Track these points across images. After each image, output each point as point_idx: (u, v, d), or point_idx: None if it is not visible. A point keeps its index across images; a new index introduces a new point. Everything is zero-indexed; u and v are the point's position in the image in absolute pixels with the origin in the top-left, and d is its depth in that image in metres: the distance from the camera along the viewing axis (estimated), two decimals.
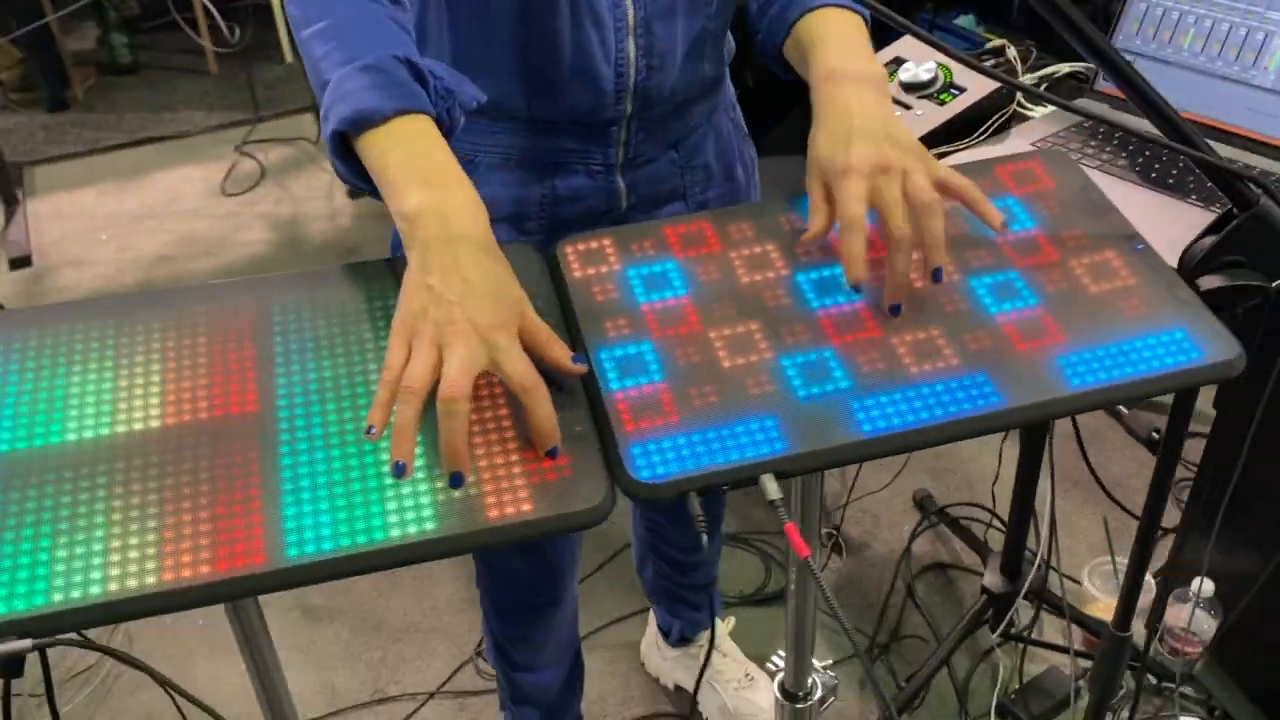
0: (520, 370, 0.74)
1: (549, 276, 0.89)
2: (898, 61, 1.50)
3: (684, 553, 1.68)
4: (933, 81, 1.45)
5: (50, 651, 0.68)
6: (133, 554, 0.69)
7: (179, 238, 3.25)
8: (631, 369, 0.81)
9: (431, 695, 1.93)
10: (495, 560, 1.41)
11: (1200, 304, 0.85)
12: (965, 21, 2.41)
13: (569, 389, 0.80)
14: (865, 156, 0.86)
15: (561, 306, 0.86)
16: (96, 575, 0.68)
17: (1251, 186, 0.86)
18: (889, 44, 1.53)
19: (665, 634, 1.84)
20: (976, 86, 1.44)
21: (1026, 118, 1.48)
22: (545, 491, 0.73)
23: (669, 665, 1.87)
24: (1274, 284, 0.86)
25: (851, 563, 2.13)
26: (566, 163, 1.10)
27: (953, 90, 1.44)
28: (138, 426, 0.76)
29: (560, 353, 0.78)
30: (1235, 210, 0.87)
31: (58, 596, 0.67)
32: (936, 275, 0.86)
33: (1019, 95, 1.47)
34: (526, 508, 0.73)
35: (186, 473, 0.74)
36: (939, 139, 1.40)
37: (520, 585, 1.44)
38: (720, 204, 1.21)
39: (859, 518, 2.22)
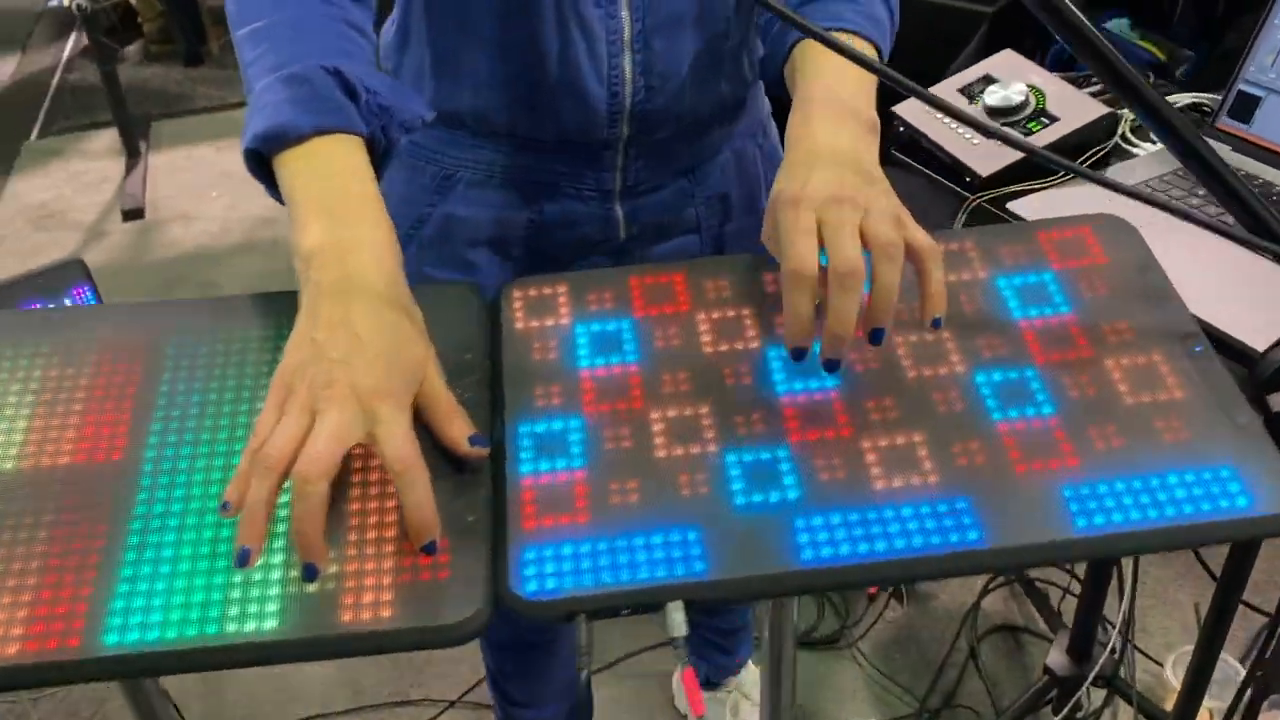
0: (395, 448, 0.63)
1: (487, 325, 0.78)
2: (987, 80, 1.33)
3: None
4: (1022, 106, 1.27)
5: None
6: None
7: None
8: (550, 449, 0.70)
9: (451, 704, 1.86)
10: None
11: (1263, 433, 0.68)
12: (1117, 26, 2.18)
13: (472, 468, 0.69)
14: (820, 185, 0.72)
15: (493, 363, 0.75)
16: None
17: None
18: (980, 60, 1.36)
19: None
20: (1072, 115, 1.26)
21: (1129, 154, 1.29)
22: (412, 595, 0.63)
23: None
24: None
25: (913, 612, 1.97)
26: (556, 185, 0.98)
27: (1044, 118, 1.26)
28: None
29: (457, 431, 0.67)
30: None
31: None
32: (874, 337, 0.70)
33: (1123, 128, 1.28)
34: (385, 614, 0.62)
35: (27, 527, 0.66)
36: (1019, 174, 1.23)
37: (516, 621, 1.34)
38: (740, 240, 1.07)
39: None
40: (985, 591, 1.97)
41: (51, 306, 1.38)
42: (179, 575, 0.64)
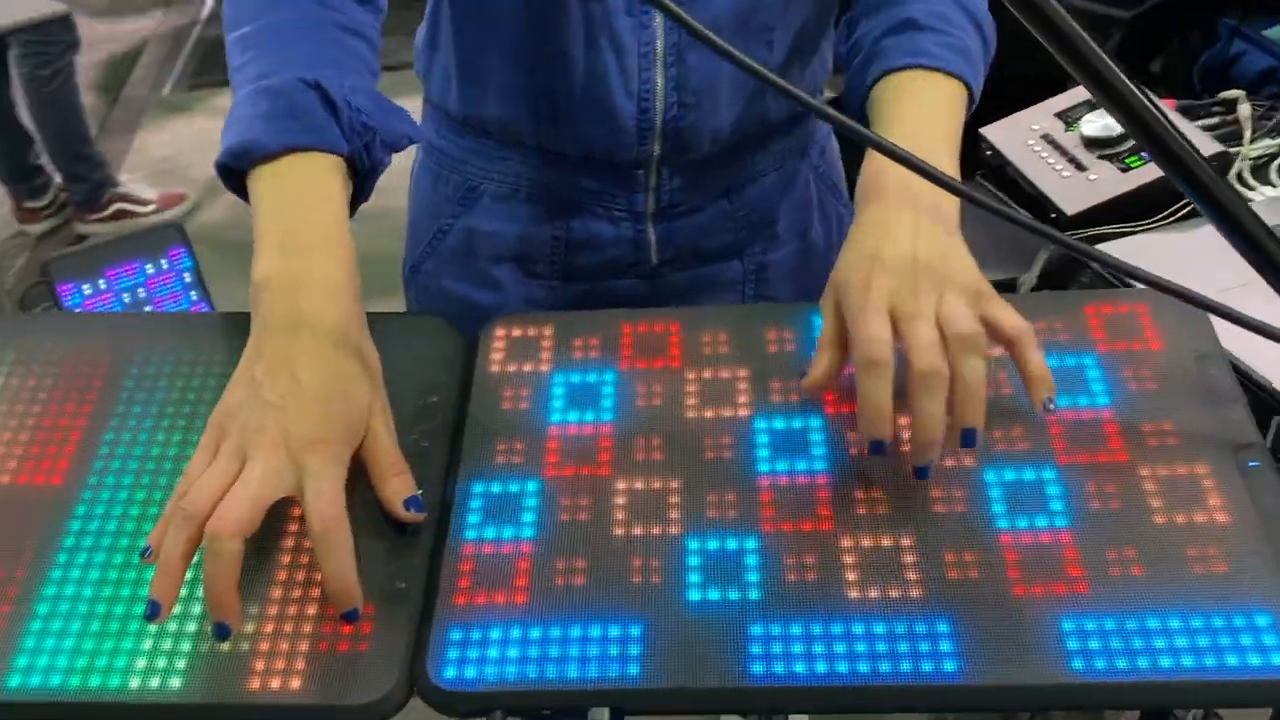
0: (319, 507, 0.58)
1: (460, 366, 0.72)
2: (1088, 106, 1.21)
3: None
4: (1122, 138, 1.15)
5: None
6: None
7: (392, 170, 3.27)
8: (499, 514, 0.64)
9: None
10: None
11: None
12: (1277, 34, 1.99)
13: (413, 529, 0.64)
14: (890, 284, 0.64)
15: (459, 409, 0.70)
16: None
17: None
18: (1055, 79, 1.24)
19: None
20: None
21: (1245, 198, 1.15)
22: (325, 667, 0.58)
23: None
24: None
25: None
26: (584, 203, 0.92)
27: (1144, 154, 1.14)
28: None
29: (393, 491, 0.62)
30: None
31: None
32: (967, 439, 0.62)
33: (1239, 167, 1.15)
34: (294, 684, 0.58)
35: None
36: (1110, 215, 1.11)
37: None
38: (787, 268, 0.99)
39: None
40: None
41: (149, 267, 1.38)
42: (94, 619, 0.61)
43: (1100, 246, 1.12)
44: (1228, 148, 1.15)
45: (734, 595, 0.60)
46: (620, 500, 0.64)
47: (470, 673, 0.58)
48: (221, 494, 0.58)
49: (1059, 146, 1.17)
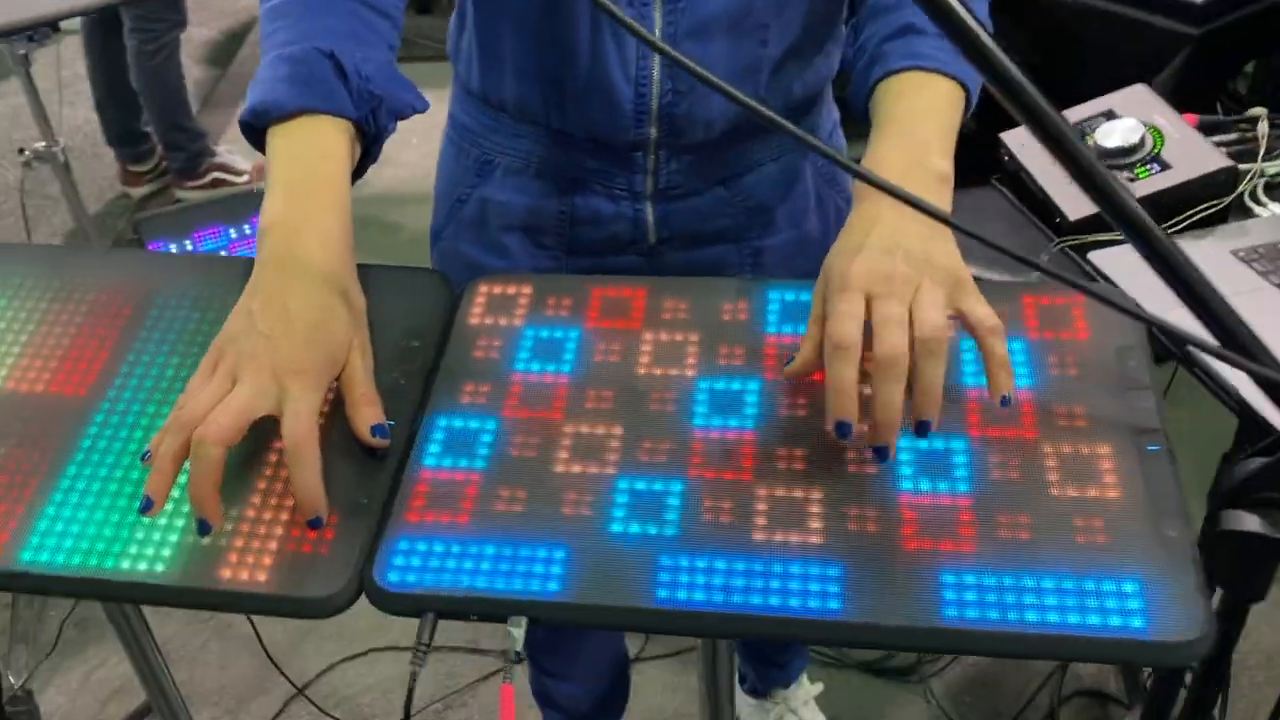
0: (293, 426, 0.67)
1: (444, 316, 0.80)
2: (1108, 116, 1.23)
3: None
4: (1136, 148, 1.18)
5: None
6: None
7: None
8: (457, 447, 0.72)
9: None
10: None
11: (1189, 551, 0.62)
12: None
13: (381, 454, 0.71)
14: (870, 266, 0.70)
15: (438, 354, 0.78)
16: None
17: None
18: (1105, 93, 1.26)
19: (741, 677, 1.71)
20: (1187, 164, 1.16)
21: (1251, 213, 1.17)
22: (290, 565, 0.66)
23: (744, 712, 1.74)
24: None
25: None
26: (587, 181, 0.99)
27: (1155, 164, 1.16)
28: None
29: (362, 417, 0.70)
30: None
31: None
32: (920, 429, 0.68)
33: (1249, 185, 1.17)
34: (261, 578, 0.66)
35: None
36: (1107, 225, 1.14)
37: None
38: (781, 254, 1.05)
39: None
40: None
41: (231, 231, 1.49)
42: (99, 509, 0.70)
43: (1100, 251, 1.15)
44: (1239, 164, 1.17)
45: (652, 530, 0.66)
46: (566, 442, 0.71)
47: (410, 578, 0.65)
48: (212, 408, 0.67)
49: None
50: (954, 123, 0.83)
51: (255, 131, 0.78)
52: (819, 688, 1.74)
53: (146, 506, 0.67)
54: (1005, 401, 0.68)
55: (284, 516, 0.69)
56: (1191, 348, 0.65)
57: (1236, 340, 0.61)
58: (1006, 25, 2.07)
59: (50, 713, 1.86)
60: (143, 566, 0.67)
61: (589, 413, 0.73)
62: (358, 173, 0.80)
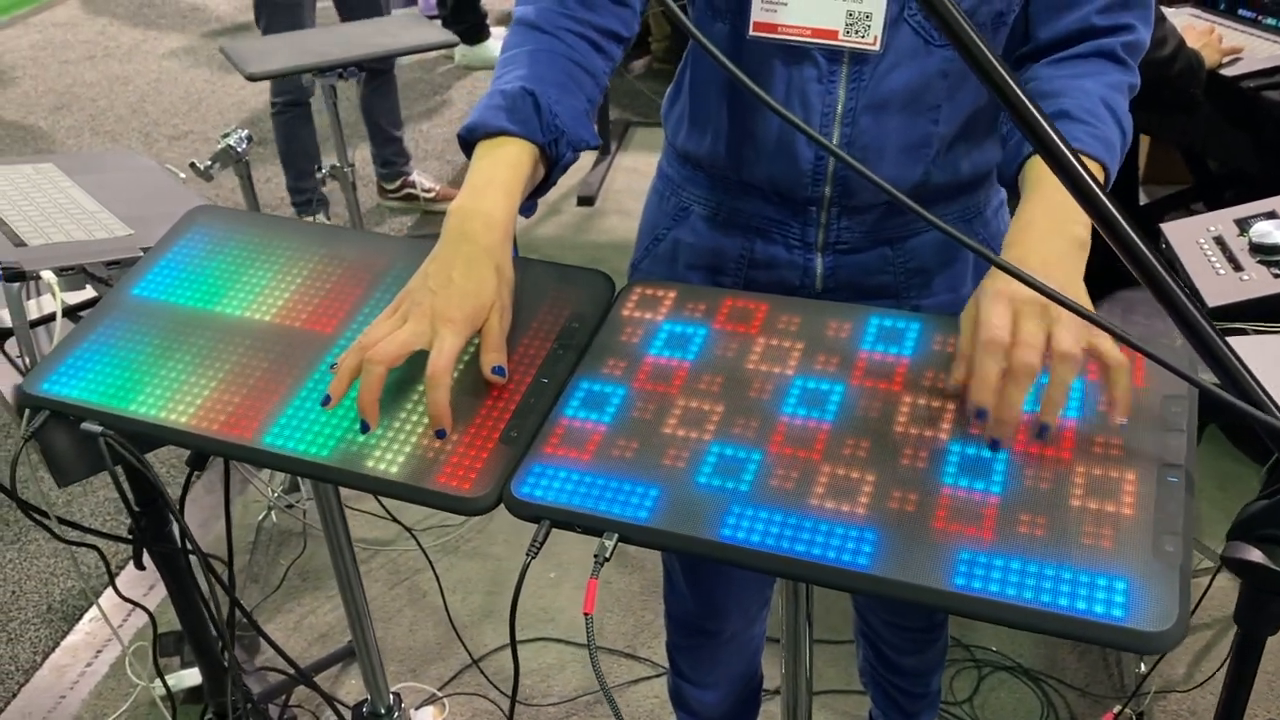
0: (435, 359, 0.86)
1: (603, 307, 0.98)
2: (1270, 216, 1.29)
3: (891, 648, 1.62)
4: None
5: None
6: (189, 396, 0.94)
7: None
8: (593, 404, 0.89)
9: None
10: (671, 570, 1.50)
11: (1179, 565, 0.71)
12: None
13: (539, 405, 0.90)
14: (1019, 291, 0.83)
15: (592, 334, 0.96)
16: (158, 400, 0.94)
17: None
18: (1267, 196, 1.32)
19: None
20: None
21: None
22: (418, 463, 0.86)
23: None
24: None
25: None
26: (767, 230, 1.14)
27: None
28: (256, 317, 1.01)
29: (487, 360, 0.90)
30: None
31: (128, 405, 0.94)
32: (1041, 432, 0.81)
33: None
34: (393, 470, 0.86)
35: (259, 356, 0.97)
36: (1246, 313, 1.20)
37: (685, 604, 1.52)
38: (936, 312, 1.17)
39: (1176, 711, 1.92)
40: None
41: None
42: (315, 409, 0.92)
43: (1235, 338, 1.21)
44: None
45: (730, 485, 0.81)
46: (677, 412, 0.87)
47: (538, 493, 0.83)
48: (382, 340, 0.88)
49: (1226, 247, 1.27)
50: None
51: (467, 144, 0.99)
52: None
53: (325, 400, 0.89)
54: (1044, 430, 0.79)
55: (426, 426, 0.88)
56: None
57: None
58: (1225, 126, 2.10)
59: (265, 645, 2.16)
60: (369, 464, 0.88)
61: (699, 392, 0.89)
62: (542, 188, 1.01)
